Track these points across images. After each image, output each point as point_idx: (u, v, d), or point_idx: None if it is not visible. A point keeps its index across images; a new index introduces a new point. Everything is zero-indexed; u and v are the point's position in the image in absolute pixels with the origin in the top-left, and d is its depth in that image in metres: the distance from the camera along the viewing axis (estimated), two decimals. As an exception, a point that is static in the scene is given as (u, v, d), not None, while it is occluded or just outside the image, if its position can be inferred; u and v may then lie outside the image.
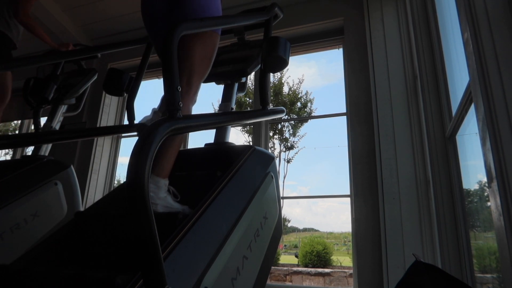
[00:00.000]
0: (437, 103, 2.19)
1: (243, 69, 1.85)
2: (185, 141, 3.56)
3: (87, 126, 3.81)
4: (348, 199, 2.82)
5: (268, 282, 2.17)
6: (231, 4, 3.36)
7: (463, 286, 1.09)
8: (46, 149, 2.37)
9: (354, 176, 2.74)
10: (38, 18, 3.60)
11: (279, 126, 13.44)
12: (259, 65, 1.69)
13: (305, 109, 13.71)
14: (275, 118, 2.09)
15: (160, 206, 1.21)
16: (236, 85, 1.90)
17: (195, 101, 1.49)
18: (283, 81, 13.68)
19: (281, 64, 1.60)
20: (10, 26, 2.44)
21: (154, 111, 1.36)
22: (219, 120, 1.32)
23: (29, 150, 3.42)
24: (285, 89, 13.75)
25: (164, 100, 1.01)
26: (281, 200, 1.98)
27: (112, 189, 3.90)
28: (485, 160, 1.13)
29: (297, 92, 13.75)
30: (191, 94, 1.42)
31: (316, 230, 18.99)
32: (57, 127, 2.47)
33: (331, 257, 8.39)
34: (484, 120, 1.11)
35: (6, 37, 2.43)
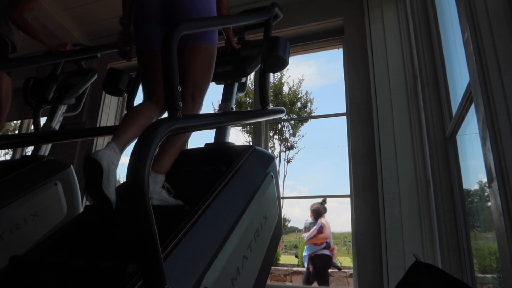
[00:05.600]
0: (437, 103, 2.19)
1: (243, 69, 1.85)
2: (185, 141, 3.55)
3: (87, 126, 3.81)
4: (348, 199, 2.82)
5: (268, 282, 2.16)
6: (231, 4, 3.33)
7: (463, 286, 1.09)
8: (46, 149, 2.37)
9: (354, 176, 2.74)
10: (38, 18, 3.60)
11: (279, 126, 13.44)
12: (259, 65, 1.69)
13: (305, 109, 13.72)
14: (275, 118, 2.09)
15: (155, 200, 1.25)
16: (236, 85, 1.90)
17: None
18: (283, 81, 13.69)
19: (281, 64, 1.60)
20: (12, 30, 2.44)
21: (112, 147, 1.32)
22: (219, 120, 1.32)
23: (29, 150, 3.42)
24: (285, 89, 13.75)
25: (164, 100, 1.01)
26: (281, 200, 1.98)
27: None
28: (485, 160, 1.13)
29: (297, 92, 13.76)
30: (196, 108, 1.47)
31: (316, 230, 18.95)
32: (57, 127, 2.47)
33: (331, 257, 8.38)
34: (485, 120, 1.11)
35: (6, 40, 2.43)
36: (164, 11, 1.48)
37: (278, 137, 13.62)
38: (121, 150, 1.26)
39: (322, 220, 4.88)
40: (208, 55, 1.50)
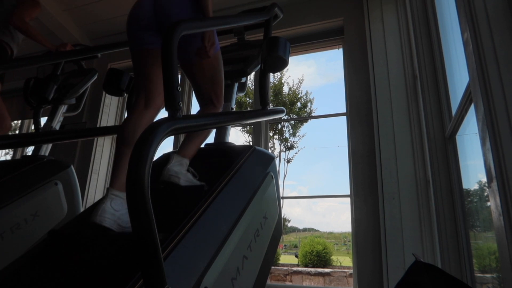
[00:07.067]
0: (437, 103, 2.19)
1: (243, 69, 1.85)
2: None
3: (87, 126, 3.81)
4: (348, 199, 2.82)
5: (268, 282, 2.16)
6: (231, 4, 3.36)
7: (463, 286, 1.09)
8: (46, 149, 2.37)
9: (354, 176, 2.74)
10: (38, 18, 3.60)
11: (279, 126, 13.43)
12: (259, 65, 1.69)
13: (305, 109, 13.71)
14: (275, 118, 2.09)
15: (182, 180, 1.39)
16: (236, 85, 1.91)
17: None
18: (283, 81, 13.68)
19: (281, 64, 1.60)
20: (13, 38, 2.45)
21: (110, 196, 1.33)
22: (219, 120, 1.32)
23: (29, 150, 3.42)
24: (285, 89, 13.74)
25: (164, 100, 1.01)
26: (281, 200, 1.98)
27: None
28: (485, 160, 1.13)
29: (297, 92, 13.75)
30: (217, 109, 1.59)
31: (316, 230, 18.97)
32: (57, 127, 2.47)
33: (331, 257, 8.39)
34: (484, 120, 1.12)
35: (7, 47, 2.44)
36: (155, 18, 1.48)
37: (278, 137, 13.61)
38: (123, 190, 1.25)
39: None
40: (214, 61, 1.54)
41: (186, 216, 1.11)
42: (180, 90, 1.00)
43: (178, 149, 1.50)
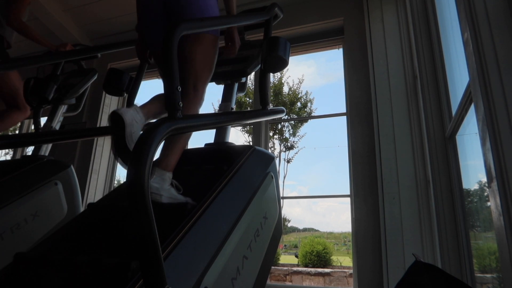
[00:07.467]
0: (437, 103, 2.19)
1: (243, 69, 1.85)
2: (185, 141, 3.56)
3: (87, 126, 3.81)
4: (348, 199, 2.82)
5: (268, 282, 2.16)
6: (231, 4, 3.35)
7: (463, 286, 1.09)
8: (46, 149, 2.37)
9: (354, 176, 2.74)
10: (38, 18, 3.61)
11: (279, 126, 13.43)
12: (259, 65, 1.69)
13: (305, 109, 13.71)
14: (275, 118, 2.09)
15: (164, 197, 1.24)
16: (236, 85, 1.90)
17: (201, 104, 1.55)
18: (283, 81, 13.67)
19: (281, 64, 1.60)
20: (3, 26, 2.44)
21: (135, 108, 1.38)
22: (219, 120, 1.32)
23: (29, 150, 3.42)
24: (285, 89, 13.74)
25: (164, 100, 1.01)
26: (281, 200, 1.98)
27: (112, 189, 3.90)
28: (485, 160, 1.13)
29: (297, 92, 13.74)
30: (198, 98, 1.48)
31: (316, 230, 18.96)
32: (57, 127, 2.47)
33: (331, 257, 8.38)
34: (484, 120, 1.12)
35: (3, 40, 2.43)
36: (165, 9, 1.49)
37: (278, 137, 13.60)
38: (144, 115, 1.33)
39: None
40: (209, 44, 1.51)
41: (167, 235, 1.07)
42: (180, 90, 1.00)
43: (158, 160, 1.33)
